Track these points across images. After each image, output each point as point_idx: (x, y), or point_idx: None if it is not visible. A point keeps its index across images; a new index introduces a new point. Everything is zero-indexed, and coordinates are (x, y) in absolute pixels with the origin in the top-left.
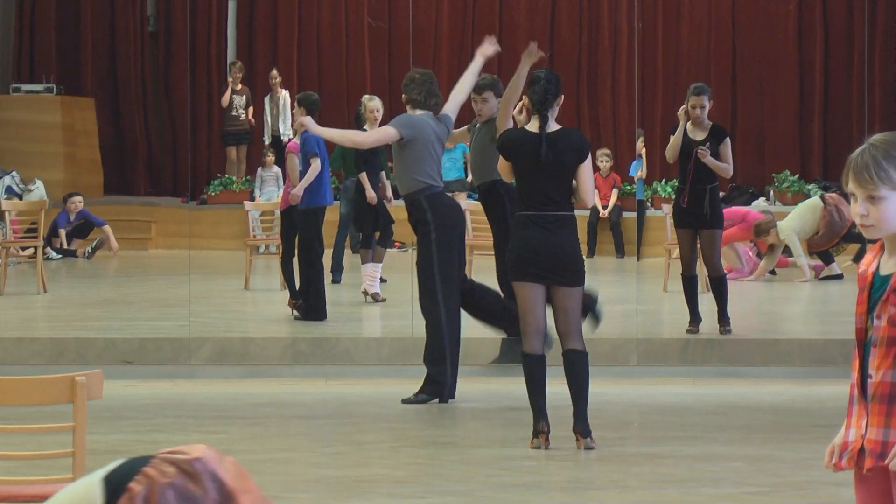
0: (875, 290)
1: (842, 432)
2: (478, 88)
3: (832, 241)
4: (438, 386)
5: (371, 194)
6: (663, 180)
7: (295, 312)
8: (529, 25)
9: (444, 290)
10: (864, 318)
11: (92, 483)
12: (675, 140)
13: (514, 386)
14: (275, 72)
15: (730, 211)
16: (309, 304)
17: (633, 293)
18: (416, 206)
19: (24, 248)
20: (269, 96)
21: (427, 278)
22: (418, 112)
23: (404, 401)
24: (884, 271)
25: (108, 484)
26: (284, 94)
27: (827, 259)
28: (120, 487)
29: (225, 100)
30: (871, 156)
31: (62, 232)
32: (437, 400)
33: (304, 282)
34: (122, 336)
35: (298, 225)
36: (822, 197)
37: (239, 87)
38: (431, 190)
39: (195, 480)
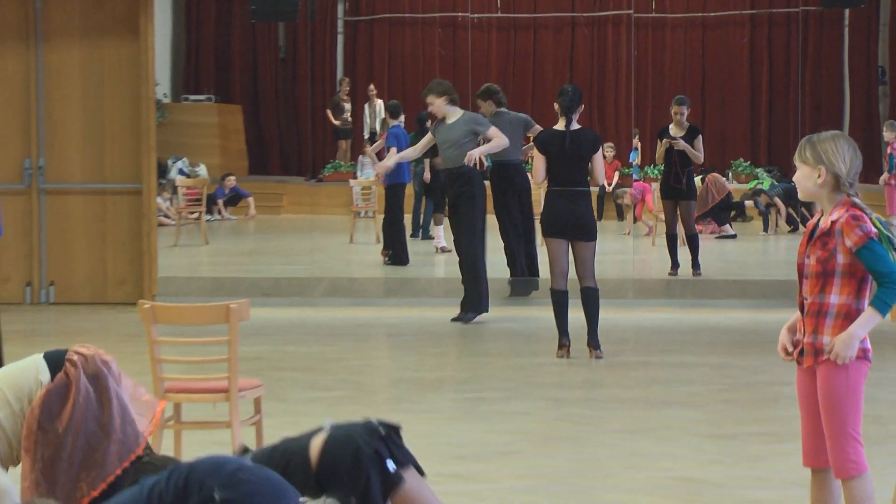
0: (811, 237)
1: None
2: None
3: (703, 209)
4: (479, 304)
5: (428, 176)
6: (652, 165)
7: (386, 259)
8: (554, 54)
9: (481, 237)
10: (802, 258)
11: (34, 359)
12: (660, 150)
13: (532, 313)
14: (371, 86)
15: None
16: (395, 253)
17: (630, 246)
18: (466, 176)
19: (191, 213)
20: (367, 104)
21: (473, 228)
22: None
23: (453, 319)
24: (821, 226)
25: (49, 359)
26: (379, 103)
27: (721, 223)
28: (59, 361)
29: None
30: (802, 143)
31: (220, 202)
32: (478, 315)
33: (391, 238)
34: (263, 276)
35: (387, 196)
36: (702, 179)
37: (346, 97)
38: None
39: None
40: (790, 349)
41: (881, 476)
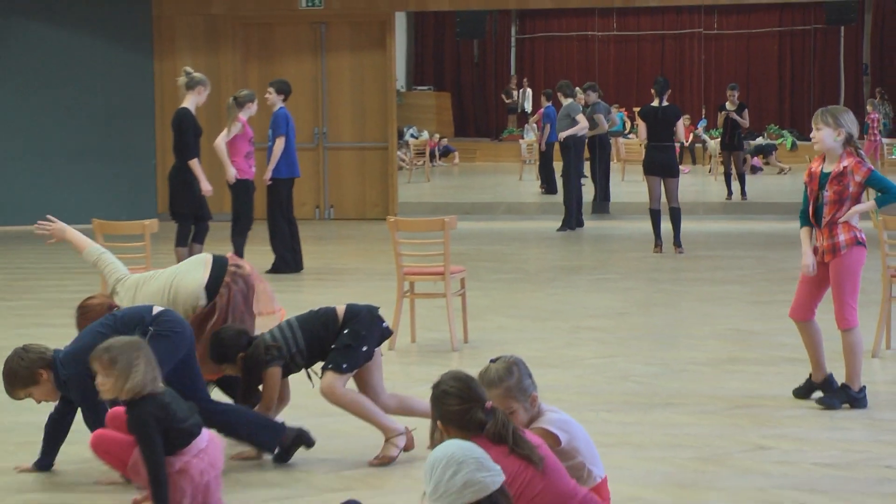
0: (822, 178)
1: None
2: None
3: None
4: (575, 220)
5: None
6: (714, 129)
7: (542, 191)
8: (650, 57)
9: (577, 175)
10: (816, 192)
11: (200, 285)
12: (719, 119)
13: (619, 224)
14: (525, 80)
15: None
16: (549, 187)
17: (700, 180)
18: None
19: (418, 162)
20: (522, 91)
21: (569, 171)
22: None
23: (559, 230)
24: (826, 170)
25: (209, 289)
26: (529, 91)
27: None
28: (214, 291)
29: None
30: (821, 112)
31: (437, 154)
32: (575, 229)
33: (546, 177)
34: (464, 201)
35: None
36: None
37: (514, 87)
38: None
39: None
40: (813, 267)
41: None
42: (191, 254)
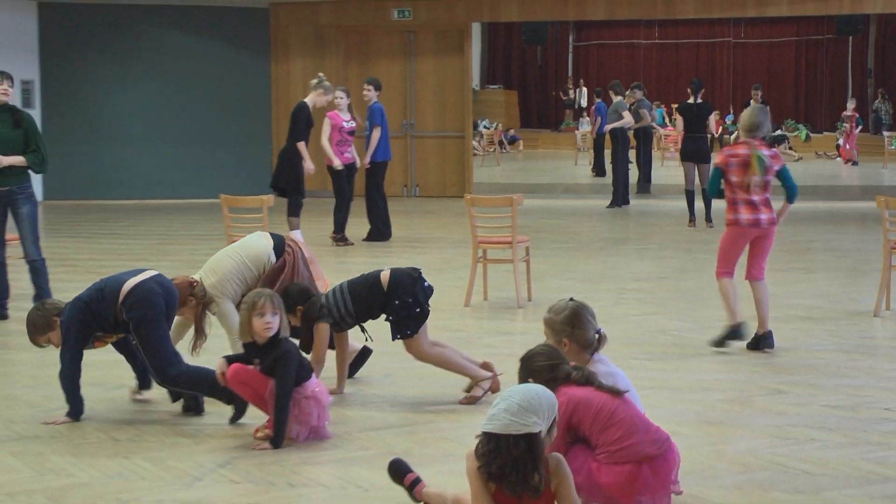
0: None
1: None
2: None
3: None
4: (619, 198)
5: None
6: (738, 123)
7: (594, 174)
8: (687, 61)
9: (624, 161)
10: (748, 177)
11: (266, 246)
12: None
13: (659, 202)
14: (581, 80)
15: None
16: (600, 171)
17: None
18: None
19: (490, 148)
20: (577, 89)
21: (618, 156)
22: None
23: (608, 207)
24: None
25: (276, 249)
26: (584, 90)
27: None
28: (280, 251)
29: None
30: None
31: (505, 142)
32: (618, 206)
33: (599, 162)
34: (529, 182)
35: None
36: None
37: (570, 85)
38: None
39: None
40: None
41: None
42: (290, 227)
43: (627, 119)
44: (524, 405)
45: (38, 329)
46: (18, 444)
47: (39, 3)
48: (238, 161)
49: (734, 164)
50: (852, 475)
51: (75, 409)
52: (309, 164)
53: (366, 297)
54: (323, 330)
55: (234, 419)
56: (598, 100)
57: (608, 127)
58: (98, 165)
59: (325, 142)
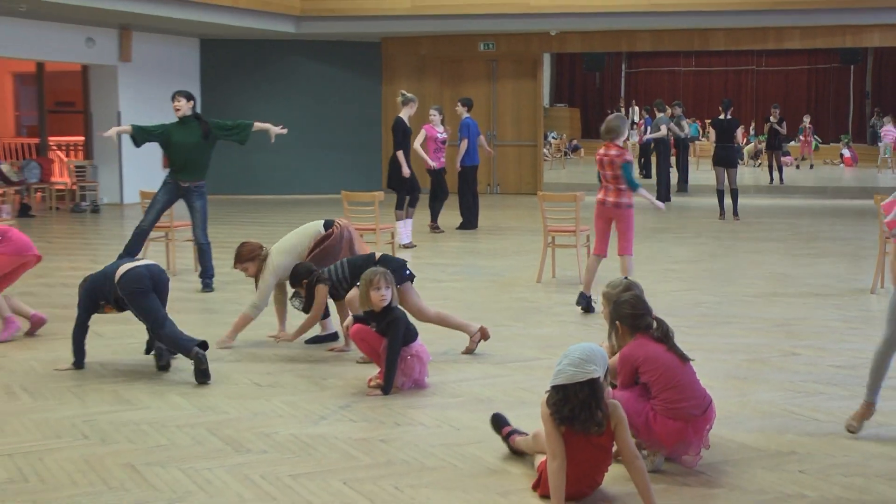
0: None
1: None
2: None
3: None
4: (661, 196)
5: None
6: (760, 136)
7: (641, 174)
8: (719, 85)
9: (665, 165)
10: (605, 170)
11: (317, 223)
12: (766, 128)
13: (694, 199)
14: (633, 101)
15: None
16: (646, 172)
17: (754, 171)
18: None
19: (556, 155)
20: (629, 107)
21: (660, 163)
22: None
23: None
24: (611, 154)
25: (325, 224)
26: (636, 108)
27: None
28: (329, 225)
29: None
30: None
31: (569, 150)
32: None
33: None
34: (589, 182)
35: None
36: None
37: (623, 103)
38: None
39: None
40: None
41: (862, 275)
42: (406, 216)
43: (663, 132)
44: (583, 357)
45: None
46: (185, 388)
47: (201, 40)
48: (355, 164)
49: (605, 161)
50: None
51: (78, 359)
52: (405, 170)
53: (361, 266)
54: (321, 291)
55: (199, 376)
56: (647, 115)
57: (645, 137)
58: (245, 167)
59: (417, 146)
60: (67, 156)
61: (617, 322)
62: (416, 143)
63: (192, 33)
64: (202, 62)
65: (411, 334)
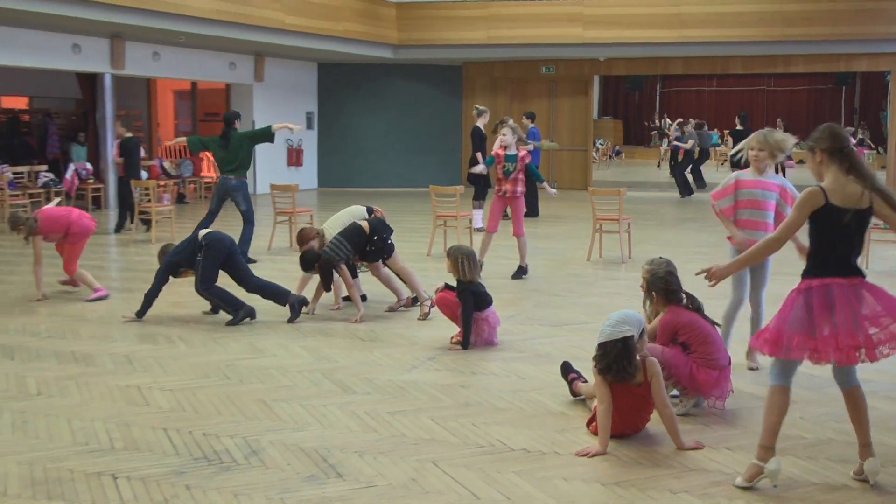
0: (507, 158)
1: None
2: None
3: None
4: (683, 191)
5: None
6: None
7: (671, 175)
8: (737, 102)
9: (682, 169)
10: (504, 164)
11: (361, 207)
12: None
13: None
14: (665, 114)
15: None
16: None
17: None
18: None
19: (604, 157)
20: (663, 119)
21: (680, 167)
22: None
23: (680, 198)
24: (510, 153)
25: (367, 210)
26: (668, 121)
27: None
28: (371, 210)
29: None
30: (512, 127)
31: (613, 154)
32: (688, 196)
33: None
34: (629, 180)
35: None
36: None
37: (657, 117)
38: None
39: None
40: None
41: None
42: (479, 206)
43: (690, 144)
44: (619, 319)
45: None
46: (306, 341)
47: (319, 64)
48: (439, 163)
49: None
50: None
51: (142, 311)
52: (481, 168)
53: (358, 242)
54: (343, 269)
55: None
56: (676, 126)
57: (672, 145)
58: (351, 165)
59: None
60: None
61: (653, 293)
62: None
63: (312, 58)
64: (319, 82)
65: (485, 302)
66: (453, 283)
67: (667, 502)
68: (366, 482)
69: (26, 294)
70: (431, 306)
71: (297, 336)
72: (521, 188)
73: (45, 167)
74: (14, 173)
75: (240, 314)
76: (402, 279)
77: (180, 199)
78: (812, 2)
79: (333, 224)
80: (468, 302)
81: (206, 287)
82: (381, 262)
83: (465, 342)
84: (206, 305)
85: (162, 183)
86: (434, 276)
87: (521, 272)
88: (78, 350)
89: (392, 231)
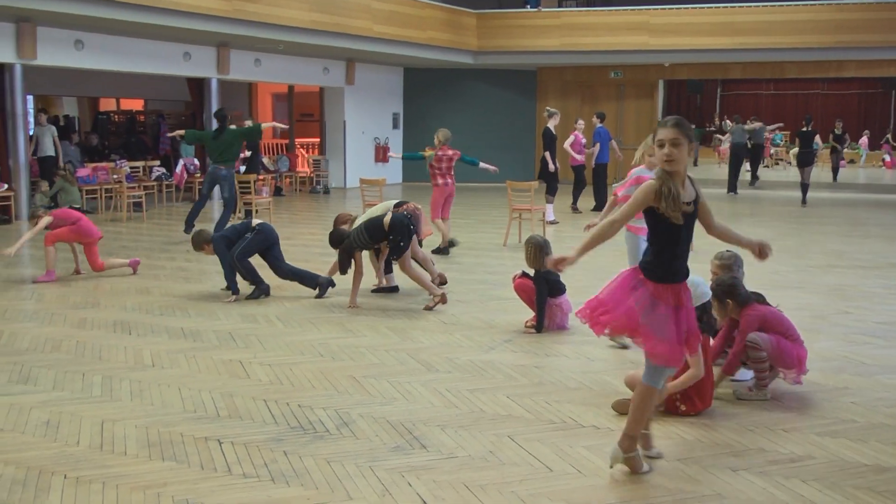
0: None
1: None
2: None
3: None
4: (731, 186)
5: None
6: (824, 143)
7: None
8: (770, 105)
9: (736, 166)
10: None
11: (389, 205)
12: (830, 137)
13: (765, 192)
14: (724, 115)
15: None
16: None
17: (816, 171)
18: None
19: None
20: (722, 121)
21: (739, 162)
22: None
23: (727, 193)
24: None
25: (395, 204)
26: (727, 122)
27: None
28: (400, 204)
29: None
30: (443, 131)
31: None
32: (735, 193)
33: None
34: (693, 176)
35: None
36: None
37: (717, 118)
38: None
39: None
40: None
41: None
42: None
43: (726, 140)
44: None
45: (196, 245)
46: (392, 323)
47: (405, 68)
48: (515, 160)
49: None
50: (892, 366)
51: (234, 289)
52: (551, 166)
53: (376, 235)
54: (359, 255)
55: (253, 296)
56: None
57: (726, 144)
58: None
59: (567, 146)
60: (308, 152)
61: (721, 300)
62: (566, 144)
63: (398, 64)
64: (405, 85)
65: (558, 289)
66: (529, 271)
67: (728, 479)
68: (447, 453)
69: (141, 275)
70: (438, 303)
71: (384, 318)
72: (451, 180)
73: (157, 162)
74: (131, 167)
75: (259, 289)
76: (423, 268)
77: (277, 192)
78: (863, 10)
79: (371, 214)
80: (543, 288)
81: (240, 258)
82: (409, 256)
83: (538, 326)
84: (304, 290)
85: (261, 177)
86: (509, 264)
87: (442, 251)
88: (186, 327)
89: (411, 236)
